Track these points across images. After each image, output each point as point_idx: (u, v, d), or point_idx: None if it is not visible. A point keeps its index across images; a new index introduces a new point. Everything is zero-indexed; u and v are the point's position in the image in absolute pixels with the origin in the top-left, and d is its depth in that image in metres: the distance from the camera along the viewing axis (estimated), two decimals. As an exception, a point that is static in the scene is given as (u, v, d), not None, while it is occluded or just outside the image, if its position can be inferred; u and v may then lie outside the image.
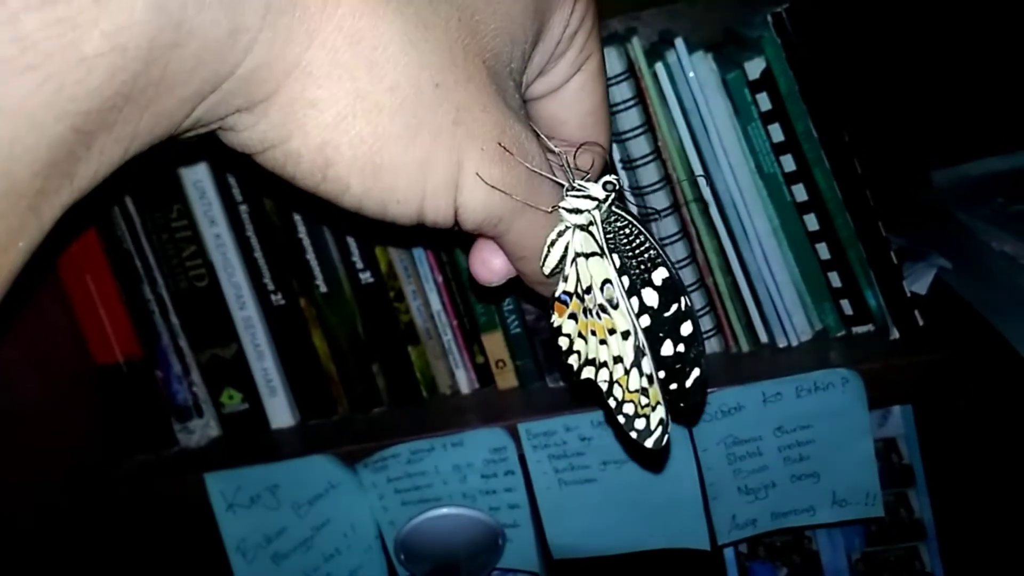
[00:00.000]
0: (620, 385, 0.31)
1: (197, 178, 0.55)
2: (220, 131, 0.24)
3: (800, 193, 0.50)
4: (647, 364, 0.31)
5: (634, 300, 0.31)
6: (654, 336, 0.31)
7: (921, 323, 0.50)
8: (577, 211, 0.30)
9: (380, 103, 0.23)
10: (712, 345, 0.55)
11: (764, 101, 0.49)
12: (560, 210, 0.29)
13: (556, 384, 0.56)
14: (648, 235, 0.31)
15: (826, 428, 0.51)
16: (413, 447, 0.55)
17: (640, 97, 0.51)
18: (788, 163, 0.50)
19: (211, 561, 0.58)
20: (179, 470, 0.58)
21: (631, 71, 0.50)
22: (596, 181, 0.30)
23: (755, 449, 0.52)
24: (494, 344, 0.56)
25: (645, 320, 0.31)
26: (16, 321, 0.54)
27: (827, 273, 0.52)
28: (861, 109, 0.64)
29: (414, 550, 0.55)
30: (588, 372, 0.32)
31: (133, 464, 0.60)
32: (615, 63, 0.50)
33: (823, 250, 0.51)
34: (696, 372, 0.31)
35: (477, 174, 0.26)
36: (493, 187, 0.26)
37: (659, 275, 0.31)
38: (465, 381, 0.58)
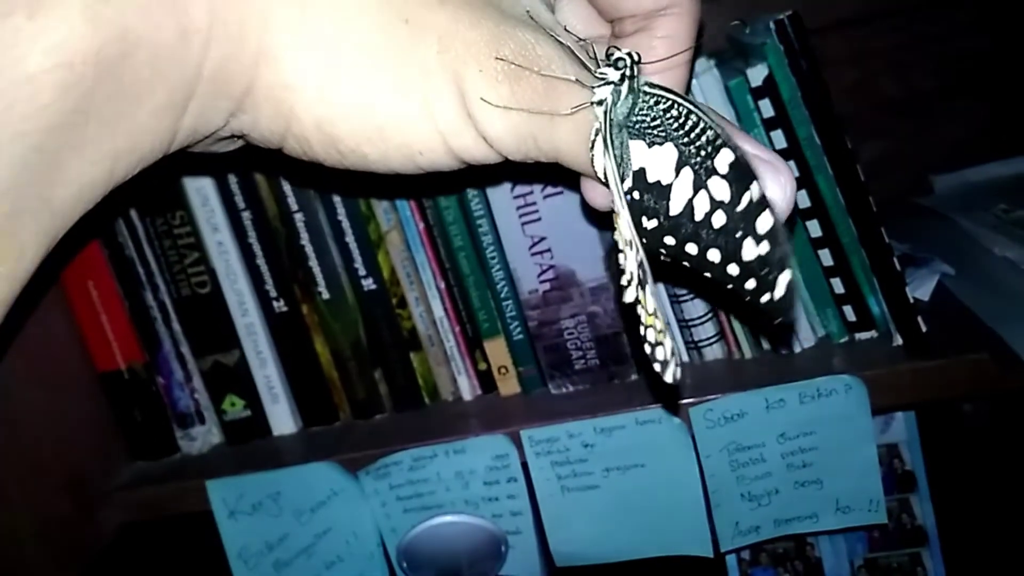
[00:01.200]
0: (641, 304, 0.27)
1: (199, 184, 0.55)
2: (244, 137, 0.24)
3: (803, 200, 0.50)
4: (650, 288, 0.27)
5: (703, 195, 0.25)
6: (731, 237, 0.26)
7: (924, 329, 0.50)
8: (603, 103, 0.25)
9: (355, 63, 0.22)
10: (714, 352, 0.55)
11: (767, 108, 0.49)
12: (592, 107, 0.25)
13: (559, 391, 0.56)
14: (701, 112, 0.25)
15: (829, 435, 0.50)
16: (415, 454, 0.54)
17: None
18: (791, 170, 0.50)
19: (213, 568, 0.58)
20: (181, 477, 0.57)
21: (633, 78, 0.50)
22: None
23: (758, 456, 0.51)
24: (496, 350, 0.56)
25: (720, 218, 0.26)
26: (18, 327, 0.54)
27: (830, 279, 0.52)
28: (864, 115, 0.64)
29: (416, 558, 0.55)
30: (631, 292, 0.27)
31: (135, 471, 0.60)
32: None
33: (825, 256, 0.51)
34: (786, 275, 0.25)
35: (482, 99, 0.23)
36: (506, 108, 0.24)
37: (724, 159, 0.25)
38: (467, 388, 0.58)
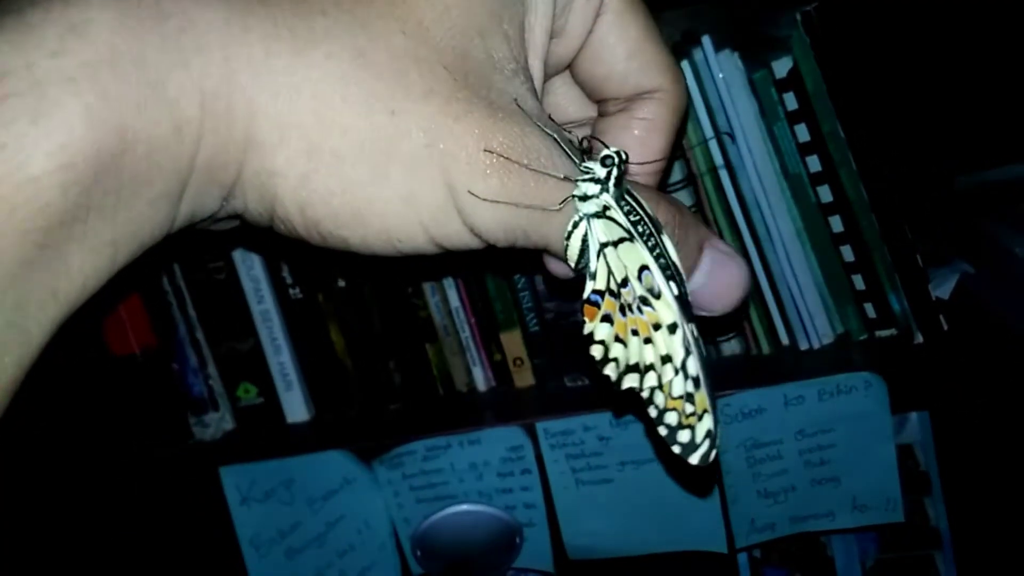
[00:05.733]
0: (663, 391, 0.26)
1: (217, 170, 0.55)
2: (239, 217, 0.24)
3: (825, 194, 0.50)
4: (693, 364, 0.26)
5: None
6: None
7: (945, 328, 0.49)
8: (586, 197, 0.25)
9: (337, 152, 0.22)
10: (733, 347, 0.55)
11: (791, 101, 0.49)
12: (573, 200, 0.25)
13: (574, 383, 0.56)
14: (660, 238, 0.26)
15: (848, 432, 0.50)
16: (429, 444, 0.54)
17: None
18: (814, 164, 0.50)
19: (225, 555, 0.58)
20: (194, 463, 0.57)
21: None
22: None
23: (775, 452, 0.51)
24: (512, 342, 0.56)
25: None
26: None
27: (851, 275, 0.51)
28: (888, 111, 0.64)
29: (431, 547, 0.55)
30: (631, 380, 0.26)
31: (148, 457, 0.60)
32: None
33: (847, 252, 0.51)
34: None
35: (470, 191, 0.23)
36: (495, 201, 0.24)
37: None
38: (482, 379, 0.58)
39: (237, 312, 0.57)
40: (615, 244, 0.26)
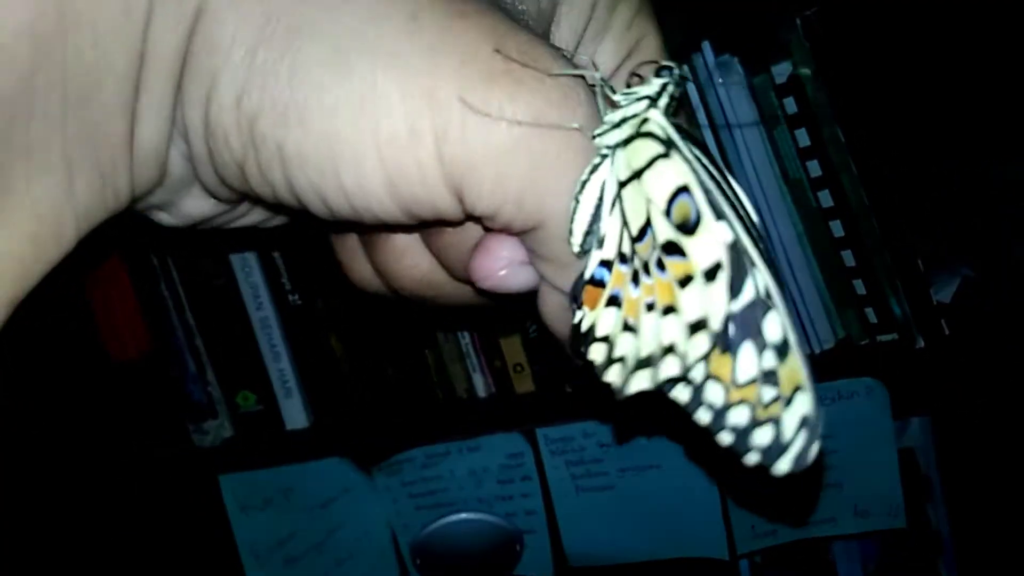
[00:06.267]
0: (717, 378, 0.19)
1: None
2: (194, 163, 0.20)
3: (826, 199, 0.50)
4: (774, 320, 0.18)
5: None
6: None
7: (947, 332, 0.49)
8: (623, 121, 0.19)
9: (294, 25, 0.17)
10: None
11: (791, 105, 0.49)
12: (597, 138, 0.19)
13: (574, 390, 0.56)
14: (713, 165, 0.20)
15: (849, 437, 0.50)
16: (428, 451, 0.54)
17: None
18: (814, 168, 0.50)
19: (224, 563, 0.57)
20: (193, 471, 0.57)
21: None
22: None
23: (777, 458, 0.51)
24: (512, 348, 0.56)
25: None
26: (32, 318, 0.54)
27: (852, 280, 0.51)
28: (888, 115, 0.64)
29: (430, 555, 0.55)
30: (641, 379, 0.20)
31: (147, 464, 0.60)
32: (640, 65, 0.49)
33: (848, 257, 0.51)
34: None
35: (462, 99, 0.17)
36: (500, 117, 0.17)
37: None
38: (482, 385, 0.57)
39: (236, 318, 0.57)
40: (639, 174, 0.19)
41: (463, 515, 0.54)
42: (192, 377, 0.58)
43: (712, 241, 0.19)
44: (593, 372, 0.20)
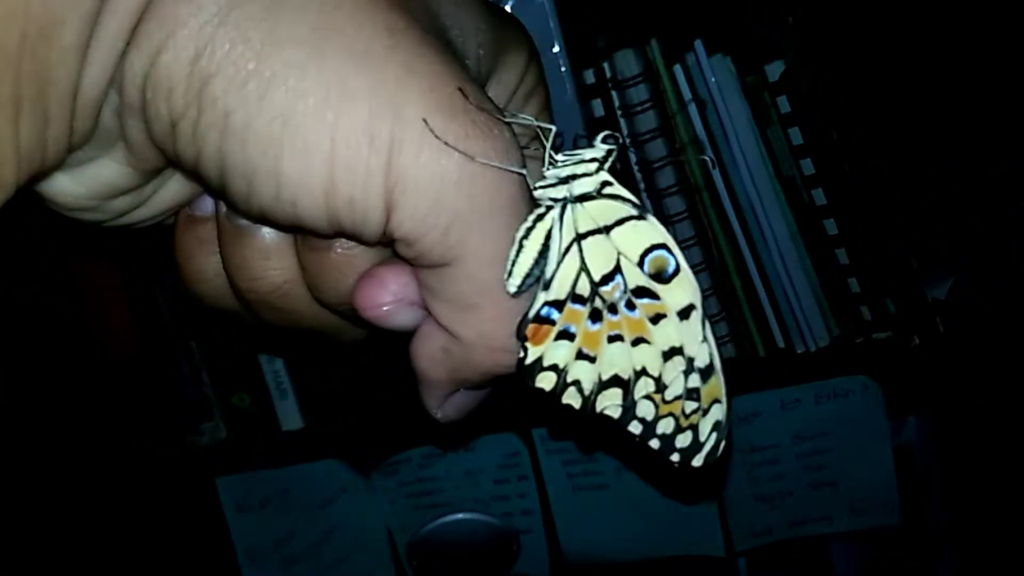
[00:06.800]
0: (652, 399, 0.23)
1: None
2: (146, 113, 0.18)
3: (819, 197, 0.50)
4: (703, 351, 0.22)
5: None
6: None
7: (942, 329, 0.49)
8: (572, 177, 0.22)
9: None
10: (728, 350, 0.54)
11: (784, 104, 0.49)
12: (541, 190, 0.22)
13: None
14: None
15: (845, 436, 0.50)
16: (425, 452, 0.54)
17: (657, 99, 0.50)
18: (807, 167, 0.50)
19: (221, 564, 0.57)
20: (189, 472, 0.57)
21: (648, 73, 0.50)
22: None
23: (772, 456, 0.51)
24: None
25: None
26: (27, 317, 0.54)
27: (846, 278, 0.51)
28: (881, 113, 0.64)
29: (427, 555, 0.55)
30: (609, 398, 0.22)
31: (142, 465, 0.60)
32: (632, 64, 0.49)
33: (842, 255, 0.51)
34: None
35: (425, 121, 0.18)
36: (454, 148, 0.18)
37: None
38: (478, 385, 0.58)
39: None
40: (606, 230, 0.22)
41: (460, 515, 0.54)
42: (187, 378, 0.58)
43: (687, 288, 0.22)
44: (550, 397, 0.22)
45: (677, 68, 0.49)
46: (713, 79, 0.49)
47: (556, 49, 0.49)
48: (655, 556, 0.55)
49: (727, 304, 0.53)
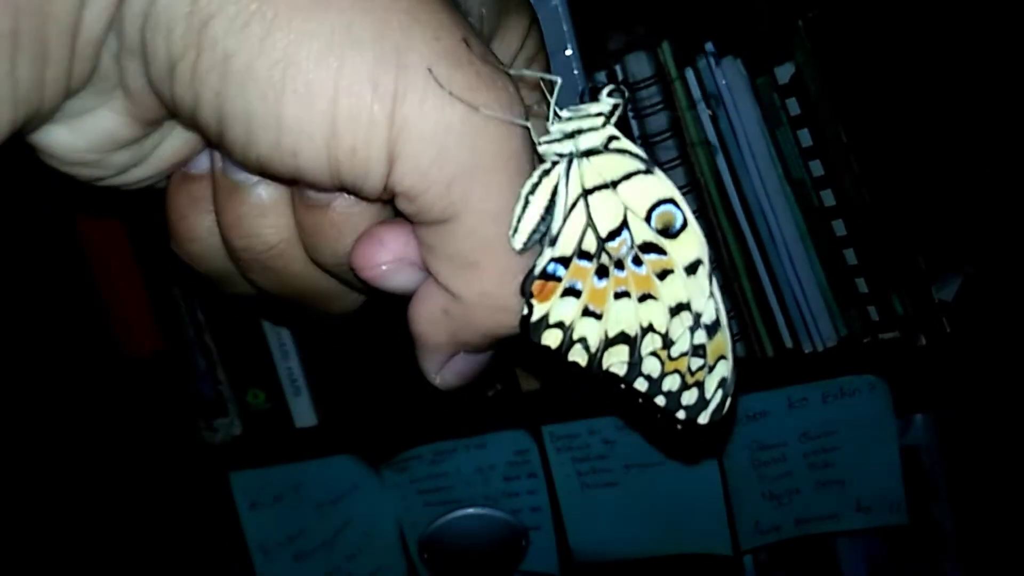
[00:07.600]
0: (658, 356, 0.22)
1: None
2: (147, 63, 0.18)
3: (828, 198, 0.50)
4: (711, 306, 0.22)
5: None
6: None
7: (948, 330, 0.49)
8: (579, 132, 0.21)
9: None
10: (737, 350, 0.55)
11: (793, 106, 0.49)
12: (546, 145, 0.21)
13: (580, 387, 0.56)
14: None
15: (852, 434, 0.50)
16: (436, 448, 0.55)
17: (668, 101, 0.51)
18: (816, 168, 0.50)
19: (234, 559, 0.58)
20: (203, 468, 0.58)
21: (660, 75, 0.50)
22: None
23: (780, 455, 0.51)
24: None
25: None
26: (44, 314, 0.55)
27: (854, 278, 0.52)
28: (890, 114, 0.64)
29: (437, 550, 0.55)
30: (616, 355, 0.22)
31: (157, 461, 0.60)
32: (644, 67, 0.50)
33: (850, 255, 0.51)
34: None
35: (430, 70, 0.17)
36: (458, 98, 0.18)
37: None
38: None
39: (245, 317, 0.58)
40: (613, 184, 0.22)
41: (470, 510, 0.55)
42: (202, 375, 0.59)
43: (694, 242, 0.22)
44: (548, 355, 0.22)
45: (688, 71, 0.50)
46: (724, 81, 0.49)
47: (569, 52, 0.49)
48: (662, 554, 0.55)
49: (736, 304, 0.54)
